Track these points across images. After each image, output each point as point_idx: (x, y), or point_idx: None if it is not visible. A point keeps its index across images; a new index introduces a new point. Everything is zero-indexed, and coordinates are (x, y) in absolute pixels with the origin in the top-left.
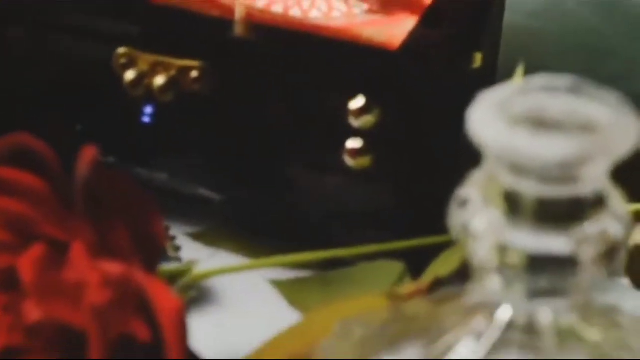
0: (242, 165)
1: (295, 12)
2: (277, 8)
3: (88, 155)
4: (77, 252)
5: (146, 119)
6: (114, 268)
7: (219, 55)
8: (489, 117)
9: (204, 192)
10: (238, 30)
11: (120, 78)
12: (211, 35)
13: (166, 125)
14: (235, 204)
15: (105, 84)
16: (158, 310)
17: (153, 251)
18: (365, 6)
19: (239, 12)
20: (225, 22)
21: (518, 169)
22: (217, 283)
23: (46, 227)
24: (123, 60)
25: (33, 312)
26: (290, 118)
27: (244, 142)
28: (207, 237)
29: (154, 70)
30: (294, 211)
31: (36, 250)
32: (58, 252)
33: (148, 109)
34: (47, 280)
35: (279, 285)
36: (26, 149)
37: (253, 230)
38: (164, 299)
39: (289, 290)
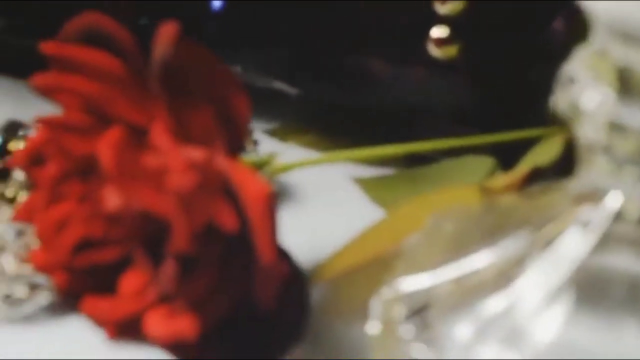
0: (320, 58)
1: None
2: None
3: (168, 31)
4: (158, 135)
5: (217, 8)
6: (196, 152)
7: None
8: None
9: (279, 85)
10: None
11: None
12: None
13: (239, 15)
14: (313, 98)
15: None
16: (245, 197)
17: (237, 134)
18: None
19: None
20: None
21: (633, 41)
22: (295, 180)
23: (123, 109)
24: None
25: (113, 199)
26: (372, 6)
27: (322, 33)
28: (283, 133)
29: None
30: (374, 106)
31: (114, 133)
32: (137, 135)
33: None
34: (127, 165)
35: (361, 182)
36: (98, 29)
37: (330, 126)
38: (250, 184)
39: (371, 187)
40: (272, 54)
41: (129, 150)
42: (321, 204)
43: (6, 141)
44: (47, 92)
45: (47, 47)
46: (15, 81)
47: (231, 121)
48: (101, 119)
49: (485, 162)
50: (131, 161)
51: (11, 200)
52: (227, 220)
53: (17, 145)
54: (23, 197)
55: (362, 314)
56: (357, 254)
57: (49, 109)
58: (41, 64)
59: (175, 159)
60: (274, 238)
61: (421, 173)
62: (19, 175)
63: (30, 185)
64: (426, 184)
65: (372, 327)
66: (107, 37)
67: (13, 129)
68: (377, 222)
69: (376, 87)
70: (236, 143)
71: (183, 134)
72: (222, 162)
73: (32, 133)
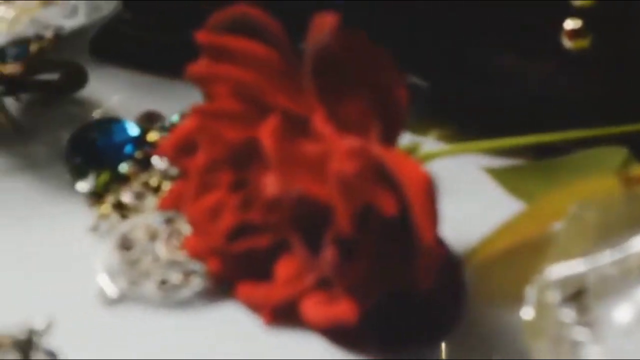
0: (452, 50)
1: None
2: None
3: (327, 21)
4: (319, 123)
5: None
6: (357, 139)
7: None
8: None
9: (410, 78)
10: None
11: None
12: None
13: (372, 9)
14: (444, 90)
15: None
16: (405, 182)
17: (395, 121)
18: None
19: None
20: None
21: None
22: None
23: (279, 97)
24: None
25: (273, 185)
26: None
27: (455, 25)
28: (414, 125)
29: None
30: (505, 98)
31: (274, 121)
32: (293, 123)
33: None
34: (287, 152)
35: (494, 172)
36: (247, 19)
37: (462, 119)
38: (411, 170)
39: (504, 177)
40: (404, 48)
41: (288, 137)
42: (455, 194)
43: (145, 132)
44: (200, 81)
45: (200, 36)
46: (149, 75)
47: (389, 109)
48: (256, 107)
49: (619, 153)
50: (290, 148)
51: (155, 189)
52: (387, 205)
53: (154, 136)
54: (167, 185)
55: (514, 299)
56: (504, 240)
57: (180, 102)
58: (169, 59)
59: (336, 146)
60: (435, 222)
61: (555, 164)
62: (160, 164)
63: (172, 173)
64: (560, 175)
65: (527, 312)
66: (256, 26)
67: (150, 120)
68: (522, 211)
69: (508, 80)
70: (393, 130)
71: (340, 121)
72: (380, 149)
73: (169, 123)
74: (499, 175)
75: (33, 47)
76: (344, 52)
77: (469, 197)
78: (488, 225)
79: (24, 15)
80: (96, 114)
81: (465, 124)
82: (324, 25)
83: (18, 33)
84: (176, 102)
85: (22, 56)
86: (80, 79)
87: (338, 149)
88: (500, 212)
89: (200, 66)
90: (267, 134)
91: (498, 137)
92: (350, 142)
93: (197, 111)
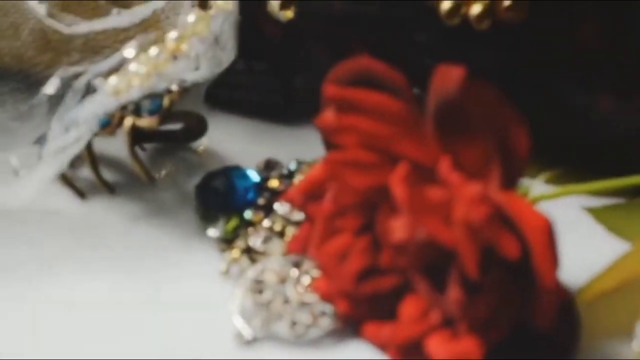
0: (547, 91)
1: None
2: None
3: (453, 72)
4: (445, 170)
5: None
6: (482, 186)
7: None
8: None
9: None
10: None
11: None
12: None
13: (465, 52)
14: (541, 131)
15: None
16: (527, 227)
17: (516, 167)
18: None
19: None
20: None
21: None
22: None
23: (406, 146)
24: None
25: (403, 229)
26: (604, 43)
27: (552, 69)
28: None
29: None
30: (601, 139)
31: (403, 169)
32: (420, 170)
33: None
34: (416, 198)
35: (595, 212)
36: (371, 71)
37: (561, 161)
38: (531, 215)
39: (605, 217)
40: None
41: (415, 184)
42: (559, 232)
43: (265, 179)
44: (330, 132)
45: (329, 90)
46: (261, 122)
47: (510, 155)
48: (384, 156)
49: None
50: (418, 195)
51: (280, 234)
52: (509, 248)
53: (274, 183)
54: (291, 230)
55: (625, 333)
56: (614, 278)
57: (293, 147)
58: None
59: (461, 192)
60: (555, 264)
61: None
62: (281, 209)
63: (294, 218)
64: None
65: (638, 345)
66: (379, 78)
67: (269, 167)
68: (629, 249)
69: (603, 122)
70: (514, 175)
71: (464, 167)
72: (501, 194)
73: (287, 170)
74: (599, 214)
75: (165, 101)
76: (467, 102)
77: (572, 236)
78: (590, 263)
79: (154, 70)
80: (217, 163)
81: (569, 166)
82: (449, 76)
83: (149, 87)
84: (289, 148)
85: (156, 109)
86: (201, 129)
87: (463, 195)
88: (602, 251)
89: (329, 118)
90: (396, 181)
91: (600, 177)
92: (474, 188)
93: (327, 161)
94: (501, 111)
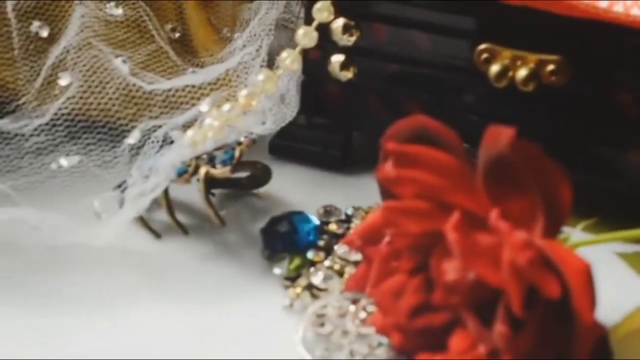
0: (586, 150)
1: (635, 11)
2: (619, 8)
3: (503, 132)
4: (493, 219)
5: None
6: (523, 232)
7: (575, 49)
8: None
9: None
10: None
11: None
12: (569, 32)
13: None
14: (578, 186)
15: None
16: (567, 270)
17: (559, 218)
18: None
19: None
20: (585, 21)
21: None
22: None
23: (459, 197)
24: (485, 55)
25: (455, 271)
26: (637, 107)
27: (590, 128)
28: None
29: (514, 63)
30: (633, 192)
31: (456, 218)
32: (471, 218)
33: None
34: (467, 244)
35: (627, 257)
36: (427, 128)
37: (595, 210)
38: (572, 261)
39: (637, 261)
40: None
41: (467, 231)
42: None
43: (325, 223)
44: (389, 183)
45: (389, 145)
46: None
47: (553, 207)
48: (438, 206)
49: None
50: (469, 240)
51: (339, 273)
52: (551, 289)
53: (333, 227)
54: (349, 269)
55: None
56: None
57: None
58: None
59: (509, 239)
60: (593, 305)
61: None
62: (340, 250)
63: (352, 259)
64: None
65: None
66: (434, 135)
67: (328, 213)
68: None
69: (635, 175)
70: (557, 225)
71: (511, 217)
72: (545, 241)
73: (345, 215)
74: (631, 259)
75: (237, 152)
76: (515, 159)
77: (606, 279)
78: (622, 303)
79: (226, 124)
80: (280, 208)
81: (604, 215)
82: (499, 135)
83: (222, 139)
84: (346, 195)
85: (228, 160)
86: (266, 177)
87: (510, 241)
88: (633, 292)
89: (388, 170)
90: (450, 228)
91: (631, 226)
92: (520, 235)
93: (385, 208)
94: (546, 168)
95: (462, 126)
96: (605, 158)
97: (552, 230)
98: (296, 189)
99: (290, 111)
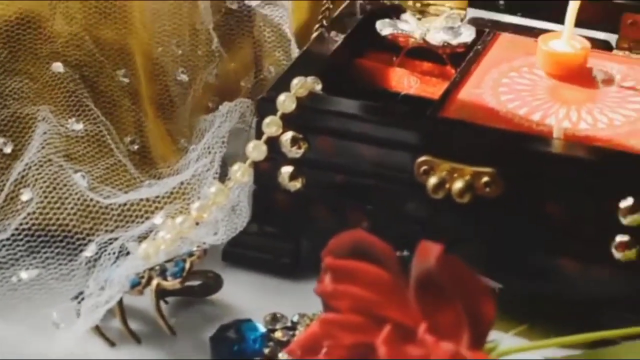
0: (519, 257)
1: (565, 124)
2: (550, 120)
3: (432, 249)
4: (421, 332)
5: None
6: (450, 344)
7: (507, 162)
8: None
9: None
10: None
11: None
12: (503, 145)
13: (448, 221)
14: (512, 291)
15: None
16: None
17: (482, 328)
18: (623, 118)
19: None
20: (517, 135)
21: None
22: None
23: (391, 311)
24: (424, 167)
25: None
26: (567, 217)
27: (523, 236)
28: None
29: (452, 175)
30: (565, 298)
31: (387, 331)
32: (402, 331)
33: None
34: (397, 355)
35: None
36: (363, 243)
37: (528, 315)
38: None
39: None
40: (478, 254)
41: (397, 343)
42: None
43: (272, 330)
44: (327, 297)
45: (327, 260)
46: (271, 278)
47: (478, 319)
48: (371, 319)
49: None
50: (399, 352)
51: None
52: None
53: (279, 334)
54: None
55: None
56: None
57: (297, 300)
58: (287, 264)
59: (436, 351)
60: None
61: (608, 353)
62: (284, 358)
63: None
64: None
65: None
66: (370, 250)
67: (276, 320)
68: None
69: (568, 283)
70: (481, 336)
71: (439, 329)
72: (470, 352)
73: (291, 322)
74: None
75: (187, 264)
76: (443, 275)
77: None
78: None
79: (179, 236)
80: (230, 315)
81: (534, 321)
82: (428, 252)
83: (175, 252)
84: (295, 302)
85: (180, 271)
86: (217, 285)
87: (437, 353)
88: None
89: (326, 285)
90: (381, 342)
91: (565, 331)
92: (446, 347)
93: (322, 321)
94: (471, 283)
95: (405, 235)
96: (538, 265)
97: (478, 342)
98: (248, 296)
99: (241, 221)
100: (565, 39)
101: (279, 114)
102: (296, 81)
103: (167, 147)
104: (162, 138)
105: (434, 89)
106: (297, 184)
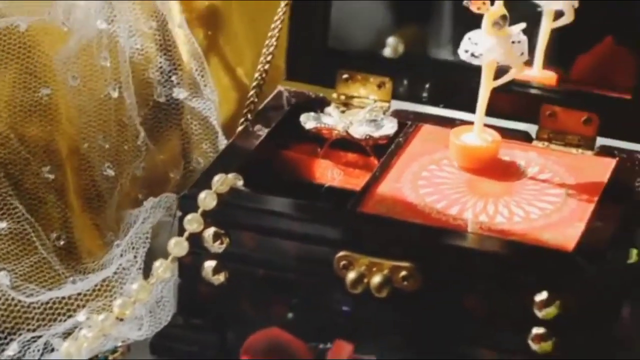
0: (439, 348)
1: (482, 218)
2: (468, 214)
3: (346, 349)
4: None
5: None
6: None
7: (425, 256)
8: None
9: None
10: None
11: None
12: (420, 239)
13: (371, 314)
14: None
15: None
16: None
17: None
18: (539, 211)
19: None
20: (434, 230)
21: None
22: None
23: None
24: (344, 262)
25: None
26: (484, 309)
27: (442, 328)
28: None
29: (370, 270)
30: None
31: None
32: None
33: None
34: None
35: None
36: (278, 342)
37: None
38: None
39: None
40: (399, 345)
41: None
42: None
43: None
44: None
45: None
46: None
47: None
48: None
49: None
50: None
51: None
52: None
53: None
54: None
55: None
56: None
57: None
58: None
59: None
60: None
61: None
62: None
63: None
64: None
65: None
66: (285, 347)
67: None
68: None
69: None
70: None
71: None
72: None
73: None
74: None
75: None
76: None
77: None
78: None
79: (100, 334)
80: None
81: None
82: (340, 350)
83: (97, 349)
84: None
85: None
86: None
87: None
88: None
89: None
90: None
91: None
92: None
93: None
94: None
95: (329, 327)
96: (457, 356)
97: None
98: None
99: (165, 315)
100: (476, 132)
101: (200, 211)
102: (217, 178)
103: (94, 241)
104: (89, 232)
105: (357, 181)
106: (220, 278)
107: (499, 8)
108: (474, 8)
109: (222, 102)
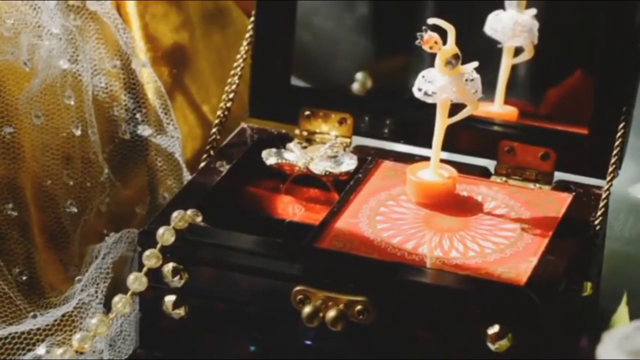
0: None
1: (437, 252)
2: (424, 249)
3: None
4: None
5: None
6: None
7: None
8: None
9: None
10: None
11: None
12: (375, 275)
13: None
14: None
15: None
16: None
17: None
18: (493, 246)
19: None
20: (389, 265)
21: None
22: None
23: None
24: (300, 297)
25: None
26: (439, 342)
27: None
28: None
29: (326, 304)
30: None
31: None
32: None
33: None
34: None
35: None
36: None
37: None
38: None
39: None
40: None
41: None
42: None
43: None
44: None
45: None
46: None
47: None
48: None
49: None
50: None
51: None
52: None
53: None
54: None
55: None
56: None
57: None
58: None
59: None
60: None
61: None
62: None
63: None
64: None
65: None
66: None
67: None
68: None
69: None
70: None
71: None
72: None
73: None
74: None
75: None
76: None
77: None
78: None
79: None
80: None
81: None
82: None
83: None
84: None
85: None
86: None
87: None
88: None
89: None
90: None
91: None
92: None
93: None
94: None
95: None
96: None
97: None
98: None
99: (126, 348)
100: (433, 168)
101: (158, 246)
102: (175, 214)
103: (57, 276)
104: (53, 267)
105: (318, 216)
106: (180, 312)
107: (451, 47)
108: (426, 47)
109: (188, 139)
